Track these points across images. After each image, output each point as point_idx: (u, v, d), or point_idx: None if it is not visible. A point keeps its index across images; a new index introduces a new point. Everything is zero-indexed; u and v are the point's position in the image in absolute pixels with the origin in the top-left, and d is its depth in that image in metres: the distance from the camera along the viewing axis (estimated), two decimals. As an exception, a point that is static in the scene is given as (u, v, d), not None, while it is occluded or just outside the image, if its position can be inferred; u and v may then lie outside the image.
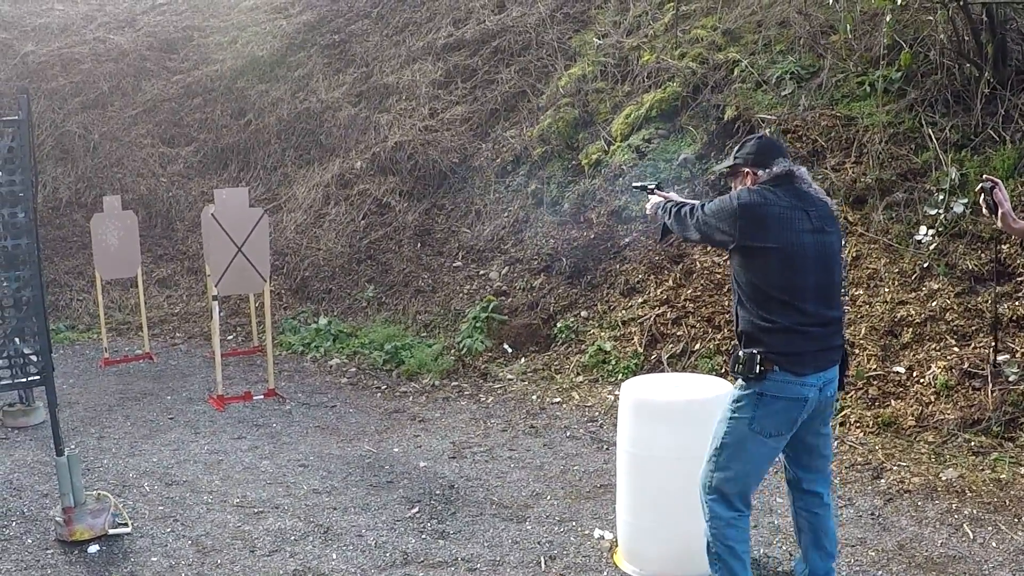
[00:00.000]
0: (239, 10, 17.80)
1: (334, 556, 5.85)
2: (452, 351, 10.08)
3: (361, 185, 13.29)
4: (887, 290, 8.62)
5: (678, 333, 9.17)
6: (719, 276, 9.40)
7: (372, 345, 10.51)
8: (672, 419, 5.29)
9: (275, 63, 16.08)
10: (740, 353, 4.34)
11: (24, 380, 6.27)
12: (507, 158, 12.32)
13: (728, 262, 4.55)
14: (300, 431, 8.35)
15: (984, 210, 4.28)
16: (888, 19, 10.15)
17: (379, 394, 9.42)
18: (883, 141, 9.58)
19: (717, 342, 8.87)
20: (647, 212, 4.99)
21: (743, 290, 4.41)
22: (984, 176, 4.31)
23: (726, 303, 9.10)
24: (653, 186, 5.07)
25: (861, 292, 8.72)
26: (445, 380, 9.58)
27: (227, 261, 9.07)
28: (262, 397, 9.35)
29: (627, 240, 10.33)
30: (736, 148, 4.72)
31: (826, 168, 9.71)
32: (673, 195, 4.92)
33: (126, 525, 6.34)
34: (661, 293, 9.52)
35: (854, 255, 8.99)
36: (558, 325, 9.92)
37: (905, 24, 10.19)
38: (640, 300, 9.61)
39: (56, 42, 17.61)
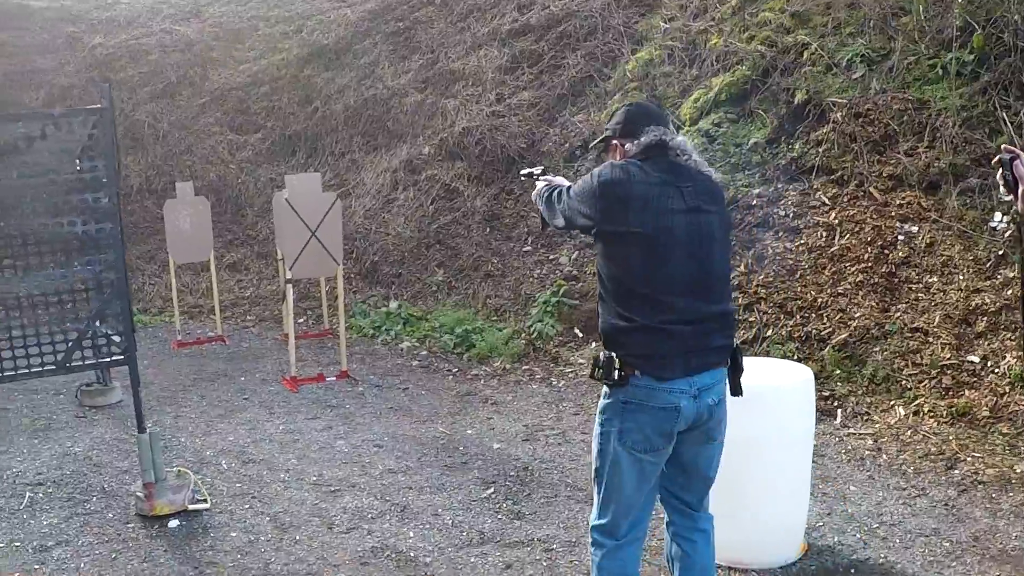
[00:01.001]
0: (303, -1, 17.97)
1: (411, 534, 5.89)
2: (523, 335, 10.12)
3: (429, 170, 13.36)
4: (961, 278, 8.49)
5: (750, 319, 9.12)
6: (791, 261, 9.34)
7: (442, 329, 10.58)
8: (751, 405, 5.02)
9: (340, 51, 16.21)
10: (600, 355, 3.80)
11: (108, 360, 6.40)
12: (575, 143, 12.33)
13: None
14: (373, 412, 8.42)
15: (1002, 187, 3.66)
16: (960, 0, 10.00)
17: (451, 377, 9.47)
18: (956, 125, 9.43)
19: (789, 328, 8.80)
20: (532, 199, 4.36)
21: (603, 283, 3.85)
22: (1003, 147, 3.69)
23: (799, 288, 9.06)
24: (539, 172, 4.54)
25: (935, 280, 8.58)
26: (516, 364, 9.62)
27: (301, 245, 9.16)
28: (335, 379, 9.44)
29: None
30: (608, 118, 4.30)
31: (899, 153, 9.60)
32: (560, 179, 4.32)
33: (205, 501, 6.46)
34: (733, 279, 9.45)
35: (928, 242, 8.86)
36: (628, 309, 9.90)
37: (978, 5, 10.03)
38: (713, 283, 9.56)
39: (123, 34, 17.90)
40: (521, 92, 13.52)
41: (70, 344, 6.26)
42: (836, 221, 9.46)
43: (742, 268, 9.52)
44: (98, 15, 18.62)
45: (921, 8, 10.12)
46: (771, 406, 5.12)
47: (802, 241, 9.48)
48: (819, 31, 11.19)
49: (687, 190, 3.77)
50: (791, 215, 9.75)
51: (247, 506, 6.43)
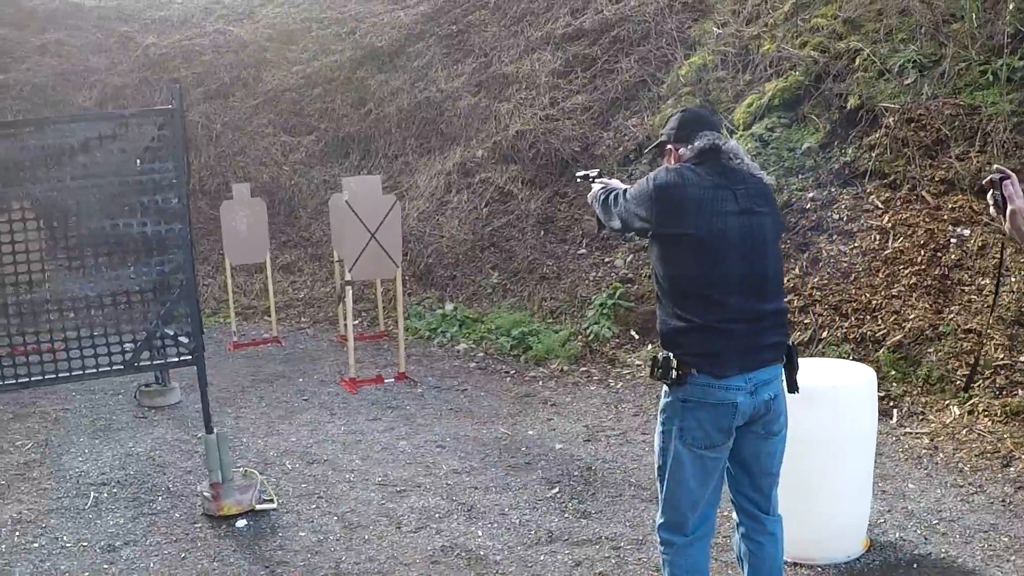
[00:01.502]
0: (356, 1, 18.12)
1: (479, 533, 6.00)
2: (579, 337, 10.21)
3: (483, 173, 13.47)
4: (1014, 279, 8.51)
5: (805, 321, 9.18)
6: (845, 264, 9.38)
7: (499, 331, 10.68)
8: (816, 404, 5.12)
9: (394, 53, 16.35)
10: (658, 356, 3.90)
11: (176, 360, 6.52)
12: (629, 147, 12.41)
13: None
14: (434, 413, 8.54)
15: (991, 208, 3.57)
16: (1011, 7, 10.01)
17: (508, 378, 9.58)
18: (1007, 130, 9.44)
19: (844, 330, 8.86)
20: (588, 201, 4.44)
21: (660, 285, 3.94)
22: (994, 167, 3.62)
23: (853, 290, 9.10)
24: (595, 174, 4.64)
25: (987, 282, 8.59)
26: (573, 365, 9.72)
27: (361, 247, 9.29)
28: (393, 380, 9.57)
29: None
30: (663, 124, 4.32)
31: (950, 157, 9.62)
32: (615, 182, 4.41)
33: (271, 501, 6.56)
34: (787, 282, 9.50)
35: (980, 245, 8.88)
36: (684, 312, 9.98)
37: (1014, 10, 10.04)
38: (768, 288, 9.62)
39: (177, 34, 18.14)
40: (575, 96, 13.60)
41: (138, 344, 6.37)
42: (889, 224, 9.50)
43: (797, 271, 9.58)
44: (151, 15, 18.88)
45: (974, 16, 10.09)
46: (836, 405, 5.23)
47: (856, 244, 9.52)
48: (871, 37, 11.21)
49: (740, 192, 3.87)
50: (845, 218, 9.79)
51: (314, 506, 6.55)
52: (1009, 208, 3.41)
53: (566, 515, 6.25)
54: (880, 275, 9.08)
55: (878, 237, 9.43)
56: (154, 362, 6.53)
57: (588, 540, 5.84)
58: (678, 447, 3.88)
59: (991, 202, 3.51)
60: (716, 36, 12.83)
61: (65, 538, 6.01)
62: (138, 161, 6.94)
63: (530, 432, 7.95)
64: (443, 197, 13.64)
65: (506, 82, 14.58)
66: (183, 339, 6.42)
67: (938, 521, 5.80)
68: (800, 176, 10.47)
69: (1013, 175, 3.48)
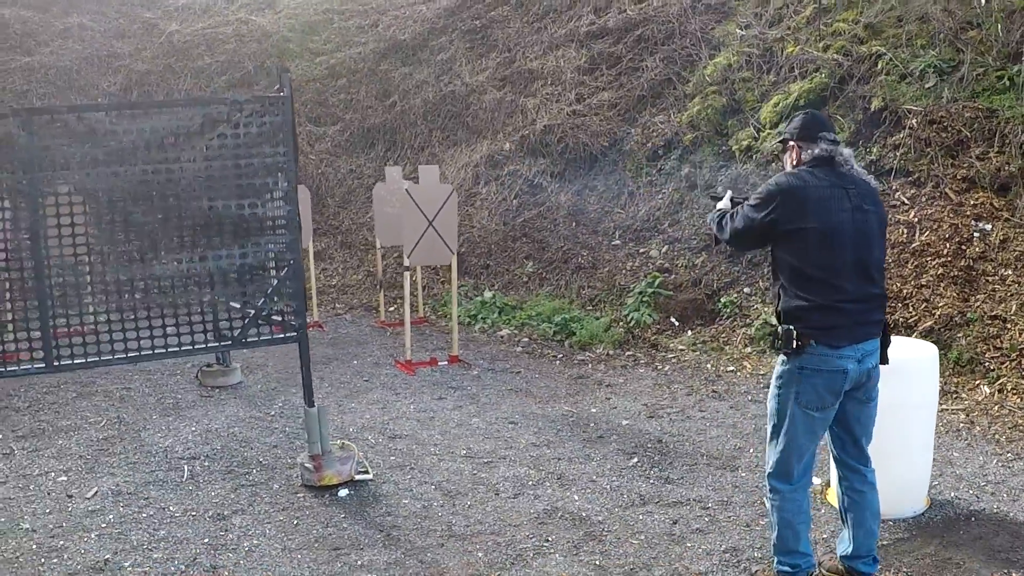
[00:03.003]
0: (377, -6, 18.52)
1: (575, 498, 6.44)
2: (620, 323, 10.70)
3: (511, 166, 13.92)
4: (1033, 271, 9.10)
5: (840, 309, 9.69)
6: (877, 258, 9.89)
7: (539, 317, 11.14)
8: (890, 375, 5.75)
9: (417, 47, 16.75)
10: (779, 329, 4.51)
11: (281, 337, 6.87)
12: (657, 143, 12.87)
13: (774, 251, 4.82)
14: (496, 393, 8.98)
15: None
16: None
17: (557, 361, 10.05)
18: (1024, 132, 10.01)
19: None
20: (707, 221, 5.15)
21: (783, 273, 4.53)
22: None
23: (886, 281, 9.59)
24: (723, 196, 5.19)
25: (1010, 272, 9.19)
26: (618, 350, 10.20)
27: (419, 234, 9.72)
28: (446, 363, 10.00)
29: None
30: (786, 124, 4.95)
31: (971, 157, 10.18)
32: (726, 203, 5.04)
33: (367, 472, 6.94)
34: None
35: (1001, 238, 9.47)
36: (722, 300, 10.52)
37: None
38: (802, 278, 10.14)
39: (199, 22, 18.46)
40: (601, 92, 14.06)
41: (247, 321, 6.73)
42: (915, 219, 10.04)
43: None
44: (173, 2, 19.18)
45: (1000, 27, 10.63)
46: (907, 376, 5.88)
47: (885, 238, 10.02)
48: (891, 42, 11.74)
49: (852, 192, 4.49)
50: (875, 215, 10.29)
51: (409, 476, 6.88)
52: None
53: (651, 481, 6.72)
54: (909, 266, 9.62)
55: (905, 231, 9.97)
56: (261, 338, 6.82)
57: (678, 502, 6.32)
58: (794, 409, 4.50)
59: None
60: (740, 38, 13.32)
61: (172, 508, 6.28)
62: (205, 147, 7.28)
63: (593, 410, 8.41)
64: (471, 189, 14.07)
65: (531, 77, 15.01)
66: (289, 316, 6.75)
67: (985, 483, 6.42)
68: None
69: None
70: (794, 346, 4.43)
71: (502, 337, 10.89)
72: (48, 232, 6.35)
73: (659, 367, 9.65)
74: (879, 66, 11.49)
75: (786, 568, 4.72)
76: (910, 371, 5.93)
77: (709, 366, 9.55)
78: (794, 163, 4.72)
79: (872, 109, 11.16)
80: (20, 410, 8.82)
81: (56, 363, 6.38)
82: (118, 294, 6.57)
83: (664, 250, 11.46)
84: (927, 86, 11.03)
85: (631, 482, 6.70)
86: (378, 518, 6.18)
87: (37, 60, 17.06)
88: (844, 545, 4.94)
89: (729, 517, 6.06)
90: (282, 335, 6.80)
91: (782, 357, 4.55)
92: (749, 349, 9.75)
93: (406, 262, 9.91)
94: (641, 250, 11.72)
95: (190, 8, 18.96)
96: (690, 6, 14.21)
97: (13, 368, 6.40)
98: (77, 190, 6.53)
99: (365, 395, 9.03)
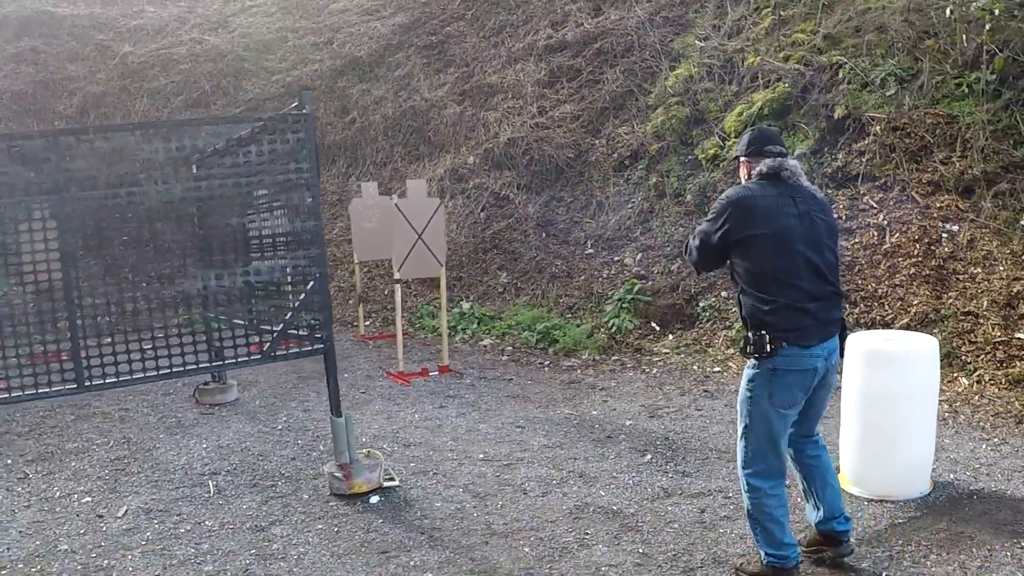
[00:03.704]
0: (329, 12, 18.65)
1: (602, 493, 6.68)
2: (602, 330, 10.98)
3: (476, 179, 14.16)
4: (1002, 268, 9.56)
5: (817, 310, 10.07)
6: (848, 258, 10.32)
7: (520, 326, 11.39)
8: (898, 364, 6.35)
9: (374, 63, 16.94)
10: (750, 335, 4.74)
11: (309, 349, 7.01)
12: (623, 153, 13.20)
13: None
14: (494, 400, 9.21)
15: None
16: (988, 27, 11.07)
17: (546, 368, 10.30)
18: (985, 137, 10.52)
19: (855, 315, 9.78)
20: (684, 259, 5.58)
21: (743, 279, 4.78)
22: None
23: (859, 281, 10.04)
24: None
25: (979, 271, 9.65)
26: (603, 355, 10.48)
27: (408, 247, 9.92)
28: (437, 373, 10.19)
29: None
30: (737, 140, 5.41)
31: (935, 161, 10.65)
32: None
33: (393, 479, 7.09)
34: (797, 275, 10.41)
35: (968, 239, 9.93)
36: (701, 304, 10.86)
37: (994, 30, 11.12)
38: (777, 281, 10.51)
39: (153, 43, 18.45)
40: (563, 105, 14.37)
41: (275, 335, 6.87)
42: (885, 222, 10.47)
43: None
44: (126, 23, 19.10)
45: (964, 36, 11.12)
46: (911, 366, 6.35)
47: (856, 240, 10.47)
48: (851, 52, 12.20)
49: (798, 200, 4.82)
50: (843, 217, 10.73)
51: (434, 481, 7.00)
52: None
53: (669, 475, 6.97)
54: (881, 267, 10.03)
55: (876, 233, 10.39)
56: (289, 351, 6.95)
57: (701, 493, 6.59)
58: (767, 409, 4.79)
59: None
60: (699, 49, 13.70)
61: (207, 522, 6.33)
62: (194, 167, 7.43)
63: (594, 412, 8.68)
64: (438, 202, 14.26)
65: (491, 91, 15.27)
66: (316, 330, 6.88)
67: (979, 466, 6.84)
68: (796, 180, 11.34)
69: None
70: (767, 350, 4.68)
71: (485, 347, 11.11)
72: (77, 253, 6.43)
73: (647, 370, 9.95)
74: (840, 75, 11.92)
75: (776, 561, 4.96)
76: (913, 362, 6.36)
77: (696, 367, 9.86)
78: (746, 177, 5.04)
79: (835, 117, 11.59)
80: (22, 434, 8.83)
81: (87, 383, 6.45)
82: (147, 312, 6.67)
83: (639, 257, 11.77)
84: (888, 94, 11.48)
85: (650, 477, 6.96)
86: (415, 521, 6.35)
87: (-9, 85, 16.97)
88: (814, 513, 5.25)
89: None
90: (310, 347, 6.90)
91: (753, 361, 4.81)
92: (732, 350, 10.08)
93: (396, 275, 10.11)
94: (615, 258, 12.01)
95: (143, 29, 18.92)
96: (648, 19, 14.57)
97: (45, 390, 6.44)
98: (103, 211, 6.61)
99: (366, 406, 9.18)
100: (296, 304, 6.84)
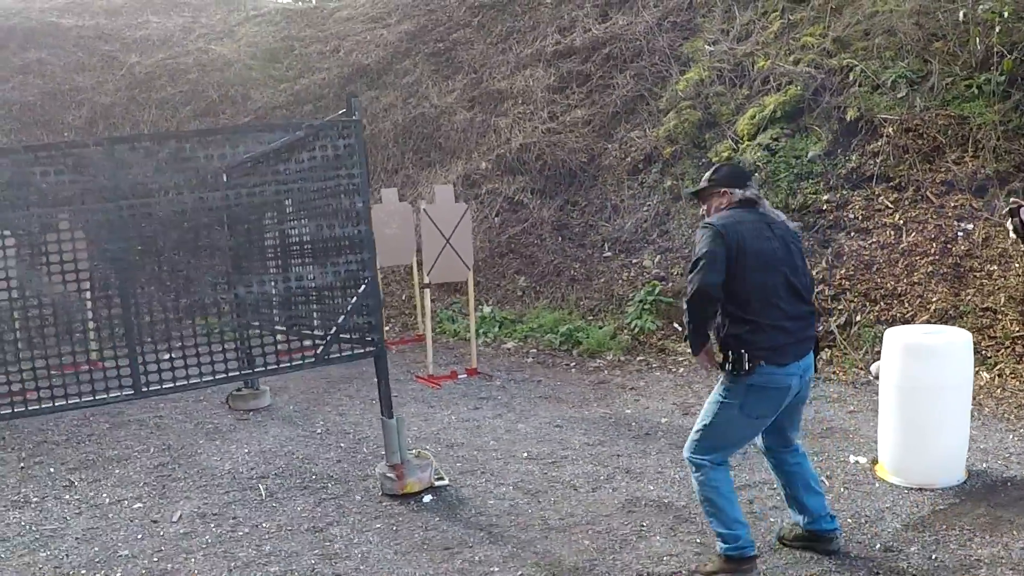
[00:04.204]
0: (334, 20, 18.79)
1: (650, 488, 6.84)
2: (625, 331, 11.13)
3: (489, 184, 14.30)
4: (1017, 265, 9.76)
5: (839, 307, 10.28)
6: (866, 257, 10.50)
7: (542, 329, 11.54)
8: (935, 357, 6.58)
9: (382, 71, 17.07)
10: (730, 354, 4.86)
11: (362, 352, 7.12)
12: (637, 157, 13.37)
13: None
14: (527, 401, 9.36)
15: (1012, 234, 3.73)
16: (998, 30, 11.28)
17: (572, 370, 10.45)
18: (996, 137, 10.73)
19: (876, 313, 9.98)
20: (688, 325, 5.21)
21: (727, 298, 4.88)
22: (1011, 199, 3.86)
23: (878, 279, 10.22)
24: None
25: (995, 268, 9.85)
26: (628, 356, 10.64)
27: (437, 252, 10.06)
28: (465, 376, 10.33)
29: (774, 229, 11.42)
30: (711, 172, 5.29)
31: (948, 162, 10.86)
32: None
33: (443, 479, 7.22)
34: (817, 273, 10.61)
35: (983, 237, 10.13)
36: (722, 306, 11.01)
37: (1003, 33, 11.34)
38: (798, 281, 10.69)
39: (159, 53, 18.54)
40: (574, 110, 14.53)
41: (328, 338, 6.98)
42: (901, 222, 10.67)
43: (823, 264, 10.67)
44: (131, 34, 19.18)
45: (977, 40, 11.32)
46: (948, 358, 6.58)
47: (873, 239, 10.66)
48: (860, 55, 12.40)
49: (774, 226, 5.04)
50: (860, 217, 10.92)
51: (482, 480, 7.09)
52: None
53: (715, 470, 7.12)
54: (900, 265, 10.22)
55: (892, 233, 10.58)
56: (342, 354, 7.07)
57: (747, 485, 6.74)
58: (735, 415, 4.98)
59: (1011, 230, 3.92)
60: (709, 53, 13.88)
61: (264, 525, 6.44)
62: (224, 176, 7.55)
63: (627, 411, 8.84)
64: (452, 208, 14.39)
65: (500, 97, 15.42)
66: (367, 333, 6.99)
67: (1009, 455, 7.05)
68: (811, 180, 11.57)
69: None
70: (746, 368, 4.83)
71: (509, 349, 11.24)
72: (133, 260, 6.55)
73: (673, 370, 10.11)
74: (851, 78, 12.11)
75: (733, 549, 5.14)
76: (949, 354, 6.59)
77: (722, 367, 10.01)
78: (721, 207, 5.16)
79: (848, 119, 11.77)
80: (60, 443, 8.92)
81: (144, 388, 6.56)
82: (203, 317, 6.79)
83: (657, 260, 11.93)
84: (899, 96, 11.68)
85: (697, 472, 7.10)
86: (472, 519, 6.48)
87: None
88: (801, 517, 5.47)
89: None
90: (362, 351, 7.02)
91: (731, 376, 4.95)
92: (755, 350, 10.22)
93: (425, 279, 10.23)
94: (634, 260, 12.18)
95: (148, 40, 19.00)
96: (655, 24, 14.74)
97: (103, 396, 6.54)
98: (158, 218, 6.73)
99: (401, 409, 9.27)
100: (348, 308, 6.93)
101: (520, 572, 5.58)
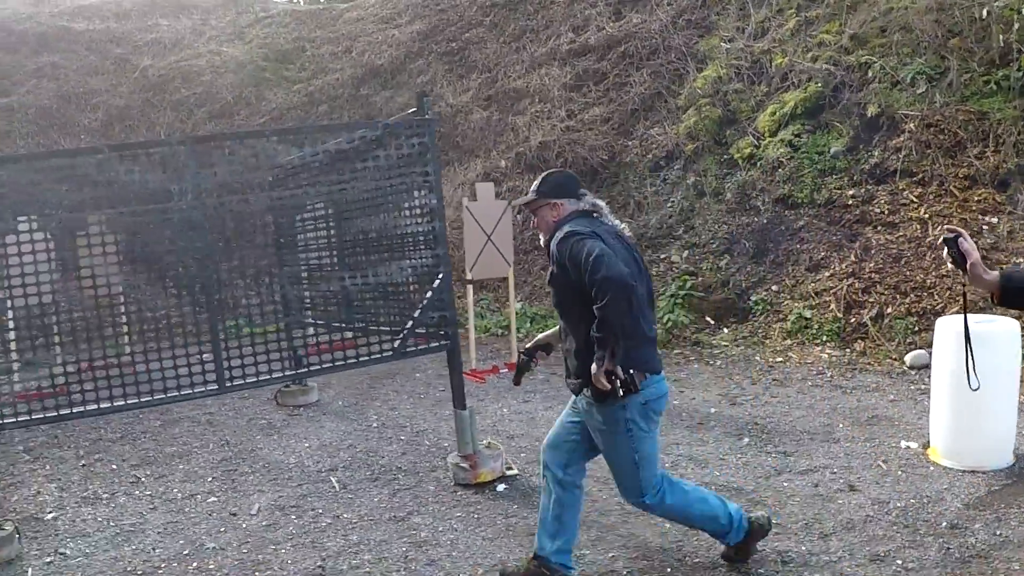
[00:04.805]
0: (344, 21, 18.95)
1: (716, 473, 7.07)
2: (658, 325, 11.33)
3: (510, 182, 14.50)
4: (1045, 256, 10.06)
5: (869, 300, 10.53)
6: (894, 250, 10.77)
7: (575, 323, 11.73)
8: (989, 344, 6.65)
9: (395, 70, 17.25)
10: (623, 378, 4.49)
11: (436, 346, 7.30)
12: (658, 154, 13.61)
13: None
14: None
15: (949, 264, 3.86)
16: (1016, 26, 11.57)
17: (612, 362, 10.64)
18: (1017, 132, 11.03)
19: (907, 305, 10.24)
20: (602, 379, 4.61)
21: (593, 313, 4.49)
22: (946, 227, 3.91)
23: (907, 272, 10.49)
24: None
25: (1022, 261, 10.10)
26: (664, 349, 10.85)
27: (479, 249, 10.27)
28: (506, 370, 10.54)
29: (800, 224, 11.68)
30: (537, 182, 5.02)
31: (969, 157, 11.15)
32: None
33: (512, 468, 7.39)
34: (846, 267, 10.88)
35: (1008, 230, 10.43)
36: (753, 299, 11.27)
37: (1019, 29, 11.63)
38: (827, 274, 10.98)
39: (172, 56, 18.67)
40: (592, 108, 14.75)
41: (404, 332, 7.16)
42: (926, 216, 10.95)
43: (852, 258, 10.93)
44: (142, 37, 19.30)
45: (1001, 37, 11.60)
46: (1000, 345, 6.85)
47: (900, 233, 10.93)
48: (878, 51, 12.67)
49: (620, 234, 4.86)
50: (886, 212, 11.20)
51: None
52: (969, 262, 3.72)
53: (773, 455, 7.33)
54: (927, 259, 10.49)
55: (918, 226, 10.86)
56: (418, 347, 7.24)
57: (808, 470, 6.95)
58: (645, 434, 4.83)
59: (948, 259, 3.80)
60: (726, 51, 14.13)
61: (345, 515, 6.57)
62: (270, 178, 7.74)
63: (675, 403, 9.05)
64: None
65: (517, 96, 15.63)
66: (441, 327, 7.16)
67: (1054, 438, 7.36)
68: (835, 176, 11.84)
69: (963, 231, 3.75)
70: (638, 388, 4.60)
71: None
72: (218, 256, 6.73)
73: (710, 362, 10.35)
74: (870, 74, 12.36)
75: (736, 527, 5.22)
76: (1002, 341, 6.88)
77: (758, 358, 10.28)
78: (556, 219, 4.90)
79: (868, 115, 12.03)
80: (115, 440, 9.10)
81: (228, 383, 6.74)
82: (287, 313, 6.98)
83: (685, 255, 12.17)
84: (919, 92, 11.96)
85: (756, 457, 7.37)
86: (549, 505, 6.66)
87: (15, 100, 17.12)
88: (550, 543, 5.24)
89: (859, 478, 6.76)
90: (437, 344, 7.22)
91: (619, 398, 4.61)
92: (789, 341, 10.49)
93: (468, 275, 10.43)
94: (662, 256, 12.41)
95: (159, 42, 19.13)
96: (670, 22, 14.99)
97: (188, 392, 6.72)
98: (241, 215, 6.92)
99: (451, 403, 9.43)
100: (424, 303, 7.10)
101: (611, 554, 5.78)
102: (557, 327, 5.25)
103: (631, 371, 4.56)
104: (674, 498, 5.02)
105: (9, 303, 6.49)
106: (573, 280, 4.59)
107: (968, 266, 3.73)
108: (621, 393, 4.52)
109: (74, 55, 18.61)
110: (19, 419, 6.17)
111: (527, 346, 5.45)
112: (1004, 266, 9.02)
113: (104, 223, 6.70)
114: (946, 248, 3.77)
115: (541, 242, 5.15)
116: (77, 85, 17.67)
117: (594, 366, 4.55)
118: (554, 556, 5.16)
